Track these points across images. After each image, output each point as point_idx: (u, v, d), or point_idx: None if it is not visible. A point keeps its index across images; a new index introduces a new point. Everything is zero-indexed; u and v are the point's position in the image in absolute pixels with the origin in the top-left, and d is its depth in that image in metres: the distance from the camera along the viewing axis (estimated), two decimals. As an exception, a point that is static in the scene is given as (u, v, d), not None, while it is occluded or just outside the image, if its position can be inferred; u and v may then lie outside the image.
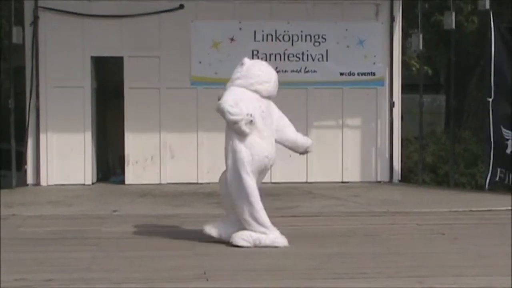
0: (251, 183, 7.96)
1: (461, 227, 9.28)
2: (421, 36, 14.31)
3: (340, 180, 14.25)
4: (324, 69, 14.24)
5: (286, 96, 13.98)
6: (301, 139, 8.60)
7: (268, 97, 8.30)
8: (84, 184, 13.77)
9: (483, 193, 12.48)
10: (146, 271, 6.81)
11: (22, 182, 13.73)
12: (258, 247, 7.84)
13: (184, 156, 13.78)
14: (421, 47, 14.39)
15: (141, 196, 12.23)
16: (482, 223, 9.48)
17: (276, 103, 14.04)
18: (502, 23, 13.34)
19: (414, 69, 17.78)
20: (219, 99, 8.02)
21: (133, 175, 13.99)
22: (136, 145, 13.93)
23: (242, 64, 8.29)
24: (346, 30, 14.25)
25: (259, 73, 8.25)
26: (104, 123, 14.90)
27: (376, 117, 14.42)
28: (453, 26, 13.70)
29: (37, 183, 13.73)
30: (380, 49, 14.34)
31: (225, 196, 8.16)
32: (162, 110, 13.90)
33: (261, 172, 8.15)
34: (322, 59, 14.24)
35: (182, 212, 10.12)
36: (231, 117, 7.86)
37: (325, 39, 14.25)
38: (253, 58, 13.79)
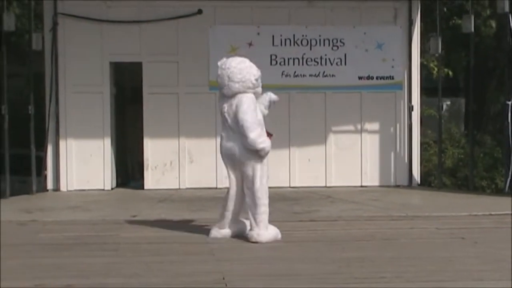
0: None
1: (481, 231, 9.22)
2: (440, 39, 14.25)
3: (359, 184, 14.22)
4: (343, 73, 14.21)
5: (304, 100, 14.07)
6: None
7: (233, 94, 8.40)
8: (103, 189, 13.81)
9: (503, 196, 12.39)
10: (165, 277, 6.80)
11: (42, 188, 13.79)
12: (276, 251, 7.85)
13: (203, 161, 13.79)
14: (439, 50, 14.33)
15: (160, 201, 12.23)
16: (502, 227, 9.40)
17: (294, 107, 14.11)
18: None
19: (434, 72, 17.70)
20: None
21: (152, 180, 14.02)
22: (155, 150, 13.96)
23: None
24: (365, 34, 14.23)
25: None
26: (123, 129, 14.94)
27: (395, 121, 14.37)
28: (472, 30, 13.65)
29: (57, 188, 13.78)
30: (399, 52, 14.30)
31: None
32: (181, 115, 13.93)
33: (232, 168, 8.50)
34: (341, 63, 14.22)
35: (201, 217, 10.10)
36: None
37: (343, 43, 14.23)
38: (271, 63, 14.01)
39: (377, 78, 14.27)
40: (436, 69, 17.71)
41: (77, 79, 13.82)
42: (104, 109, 13.93)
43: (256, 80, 8.42)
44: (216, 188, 13.59)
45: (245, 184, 8.39)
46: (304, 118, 14.08)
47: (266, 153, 8.34)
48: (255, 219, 8.34)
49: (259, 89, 8.51)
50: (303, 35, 14.19)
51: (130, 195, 13.42)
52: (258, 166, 8.33)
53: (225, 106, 8.42)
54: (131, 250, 8.05)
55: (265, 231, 8.35)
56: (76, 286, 6.43)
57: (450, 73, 18.17)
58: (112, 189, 14.00)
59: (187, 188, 13.88)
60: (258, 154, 8.30)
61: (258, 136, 8.27)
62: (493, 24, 18.29)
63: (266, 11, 14.11)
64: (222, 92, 8.47)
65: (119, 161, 14.62)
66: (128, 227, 9.42)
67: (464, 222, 9.83)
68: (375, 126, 14.37)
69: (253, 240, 8.30)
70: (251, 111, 8.31)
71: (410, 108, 14.30)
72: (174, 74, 14.02)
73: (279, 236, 8.46)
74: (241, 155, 8.35)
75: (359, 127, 14.33)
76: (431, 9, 15.42)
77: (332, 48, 14.22)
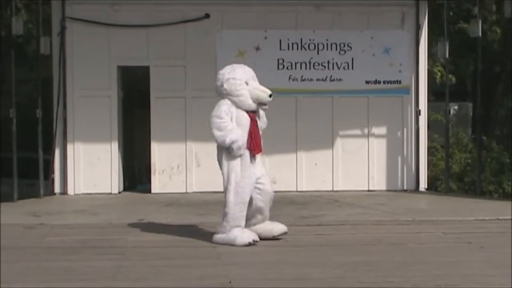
0: None
1: (488, 236, 9.21)
2: (447, 43, 14.24)
3: (366, 188, 14.20)
4: (350, 78, 14.21)
5: (311, 104, 14.07)
6: None
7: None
8: (110, 193, 13.83)
9: (510, 201, 12.36)
10: (172, 280, 6.82)
11: (50, 191, 13.82)
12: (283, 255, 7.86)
13: (210, 165, 13.65)
14: (447, 55, 14.31)
15: (167, 205, 12.25)
16: (509, 231, 9.39)
17: (301, 112, 14.13)
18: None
19: (437, 77, 17.70)
20: None
21: (159, 184, 14.03)
22: (162, 154, 13.98)
23: None
24: (372, 38, 14.23)
25: None
26: (130, 133, 14.96)
27: (402, 126, 14.36)
28: (480, 34, 13.63)
29: (64, 192, 13.81)
30: (406, 57, 14.29)
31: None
32: (188, 119, 13.94)
33: None
34: (348, 68, 14.21)
35: (208, 221, 10.12)
36: None
37: (350, 47, 14.22)
38: (278, 68, 14.03)
39: (384, 82, 14.26)
40: (439, 73, 17.69)
41: (84, 83, 13.85)
42: (111, 113, 13.95)
43: (222, 85, 8.56)
44: (223, 192, 13.56)
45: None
46: (311, 122, 14.08)
47: (238, 148, 8.41)
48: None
49: (236, 99, 8.53)
50: (310, 39, 14.19)
51: (137, 199, 13.43)
52: (226, 170, 8.63)
53: None
54: (138, 253, 8.07)
55: (217, 234, 8.57)
56: (83, 290, 6.46)
57: (454, 79, 18.10)
58: (119, 192, 14.02)
59: (194, 192, 13.90)
60: (230, 154, 8.48)
61: (224, 133, 8.43)
62: (498, 30, 18.26)
63: (274, 15, 14.12)
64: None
65: (126, 165, 14.64)
66: (135, 231, 9.44)
67: (471, 227, 9.83)
68: (382, 130, 14.37)
69: None
70: (219, 114, 8.51)
71: (417, 113, 14.29)
72: (182, 78, 14.04)
73: (257, 238, 8.49)
74: (218, 158, 8.71)
75: (366, 131, 14.33)
76: (438, 13, 15.41)
77: (339, 53, 14.22)
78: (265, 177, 8.74)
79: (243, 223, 8.54)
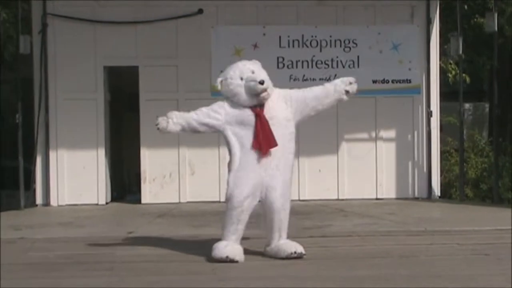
0: None
1: (506, 247, 9.19)
2: (460, 39, 14.25)
3: (374, 196, 14.23)
4: (356, 77, 14.10)
5: (314, 106, 14.02)
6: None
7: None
8: (97, 204, 13.85)
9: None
10: (163, 298, 6.83)
11: (31, 202, 13.82)
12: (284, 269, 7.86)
13: (205, 173, 13.81)
14: (460, 51, 14.33)
15: (159, 216, 12.26)
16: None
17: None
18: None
19: (450, 75, 17.71)
20: None
21: (150, 193, 14.04)
22: (153, 161, 13.99)
23: None
24: (379, 34, 14.25)
25: None
26: (118, 138, 14.98)
27: (413, 128, 14.39)
28: (496, 29, 13.65)
29: (47, 203, 13.82)
30: (416, 54, 14.31)
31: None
32: (181, 123, 13.92)
33: None
34: (353, 66, 14.23)
35: (203, 233, 10.14)
36: None
37: (356, 44, 14.25)
38: (278, 66, 14.04)
39: (393, 81, 14.28)
40: (453, 72, 17.70)
41: (68, 85, 13.87)
42: (97, 117, 13.97)
43: (221, 90, 8.61)
44: (219, 201, 13.59)
45: None
46: (314, 125, 14.00)
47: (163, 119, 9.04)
48: None
49: (234, 99, 8.49)
50: (312, 36, 14.21)
51: (127, 210, 13.45)
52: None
53: None
54: (127, 269, 8.07)
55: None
56: (67, 309, 6.46)
57: (468, 78, 18.09)
58: (107, 203, 14.03)
59: (188, 202, 13.91)
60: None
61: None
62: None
63: (273, 10, 14.16)
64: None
65: (114, 173, 14.65)
66: (124, 245, 9.45)
67: (488, 237, 9.83)
68: (391, 133, 14.39)
69: None
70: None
71: (429, 114, 14.31)
72: (173, 79, 14.07)
73: (237, 258, 8.22)
74: None
75: (373, 134, 14.35)
76: (451, 7, 15.43)
77: (344, 50, 14.25)
78: (273, 187, 8.38)
79: (233, 237, 8.36)
